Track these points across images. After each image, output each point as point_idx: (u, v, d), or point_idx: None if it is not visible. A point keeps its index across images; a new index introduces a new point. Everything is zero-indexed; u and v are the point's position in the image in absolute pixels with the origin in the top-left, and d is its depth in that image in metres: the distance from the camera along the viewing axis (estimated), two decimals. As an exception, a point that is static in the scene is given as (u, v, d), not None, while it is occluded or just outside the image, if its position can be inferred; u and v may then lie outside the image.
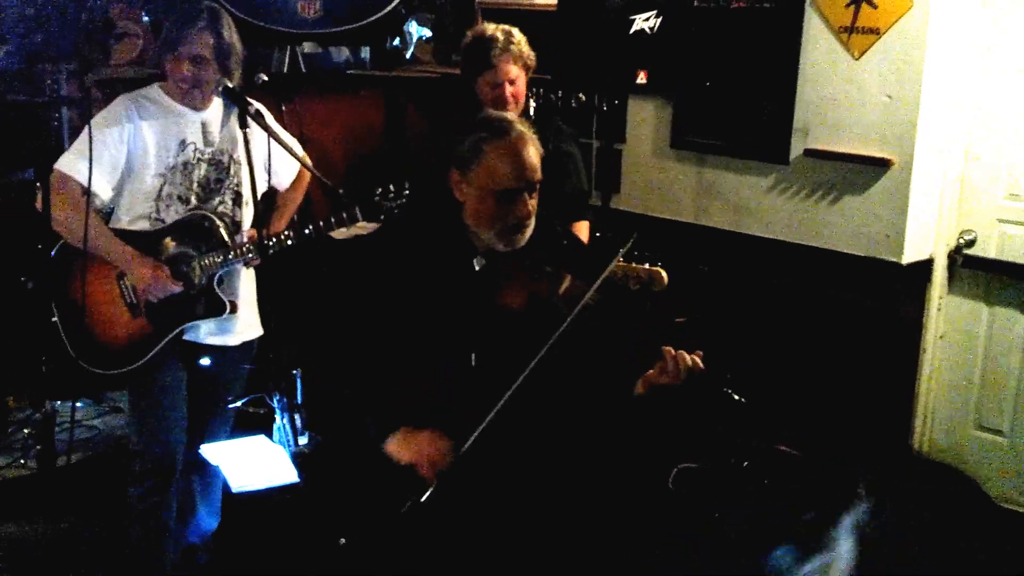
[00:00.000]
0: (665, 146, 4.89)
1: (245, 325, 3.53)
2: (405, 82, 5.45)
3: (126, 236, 3.29)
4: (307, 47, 5.17)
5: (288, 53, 5.00)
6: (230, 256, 3.33)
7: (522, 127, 2.64)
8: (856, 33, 4.19)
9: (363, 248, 3.09)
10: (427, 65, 5.66)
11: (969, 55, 4.18)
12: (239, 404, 3.67)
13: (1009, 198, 4.22)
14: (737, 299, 4.65)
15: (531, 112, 3.97)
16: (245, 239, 3.40)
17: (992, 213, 4.26)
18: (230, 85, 3.27)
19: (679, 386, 2.45)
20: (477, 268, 2.67)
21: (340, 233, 3.85)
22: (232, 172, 3.41)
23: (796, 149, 4.43)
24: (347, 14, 5.01)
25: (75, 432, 4.27)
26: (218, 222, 3.35)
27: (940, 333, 4.43)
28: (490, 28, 3.81)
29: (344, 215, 3.33)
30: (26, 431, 4.58)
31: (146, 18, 4.52)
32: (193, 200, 3.35)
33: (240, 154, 3.36)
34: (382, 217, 3.28)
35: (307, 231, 3.35)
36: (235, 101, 3.26)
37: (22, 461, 4.40)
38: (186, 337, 3.40)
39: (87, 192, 3.19)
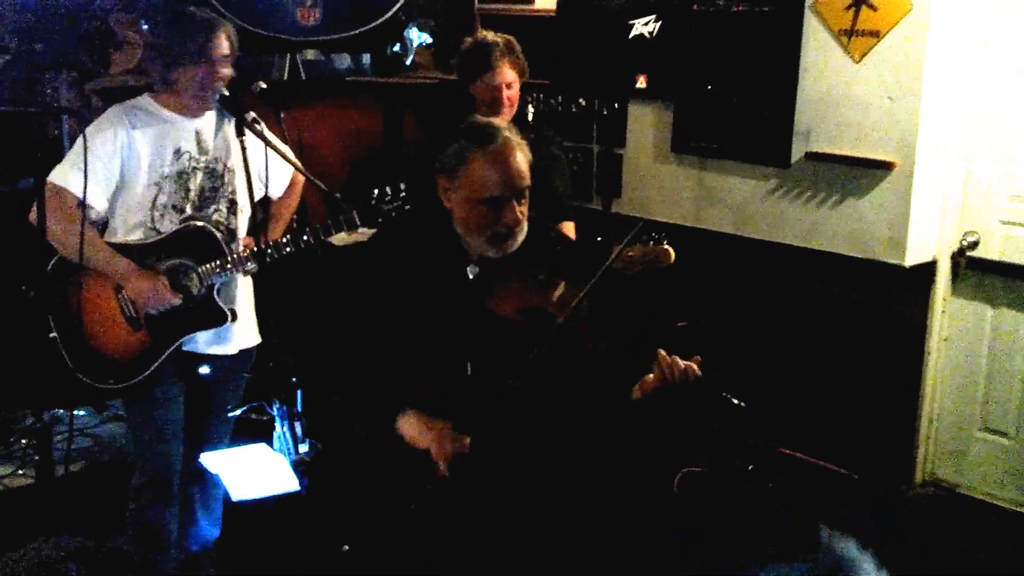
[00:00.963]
0: (666, 150, 4.88)
1: (242, 333, 3.51)
2: (403, 88, 5.44)
3: (122, 249, 3.27)
4: (309, 54, 5.18)
5: (288, 60, 5.01)
6: (228, 265, 3.31)
7: (509, 133, 2.59)
8: (856, 36, 4.18)
9: (359, 254, 3.07)
10: (428, 71, 5.65)
11: (970, 56, 4.16)
12: (239, 412, 3.66)
13: (1012, 199, 4.20)
14: (740, 303, 4.64)
15: (529, 118, 3.98)
16: (241, 247, 3.39)
17: (995, 215, 4.24)
18: (226, 93, 3.26)
19: (673, 390, 2.43)
20: (471, 276, 2.65)
21: (341, 239, 3.85)
22: (227, 180, 3.39)
23: (797, 152, 4.42)
24: (347, 21, 5.01)
25: (76, 440, 4.25)
26: (215, 231, 3.33)
27: (944, 335, 4.40)
28: (490, 35, 3.90)
29: (342, 219, 3.32)
30: (24, 441, 4.56)
31: (145, 27, 4.52)
32: (188, 209, 3.33)
33: (234, 162, 3.35)
34: (379, 220, 3.27)
35: (305, 237, 3.33)
36: (232, 109, 3.26)
37: (20, 472, 4.38)
38: (184, 348, 3.39)
39: (82, 204, 3.17)
